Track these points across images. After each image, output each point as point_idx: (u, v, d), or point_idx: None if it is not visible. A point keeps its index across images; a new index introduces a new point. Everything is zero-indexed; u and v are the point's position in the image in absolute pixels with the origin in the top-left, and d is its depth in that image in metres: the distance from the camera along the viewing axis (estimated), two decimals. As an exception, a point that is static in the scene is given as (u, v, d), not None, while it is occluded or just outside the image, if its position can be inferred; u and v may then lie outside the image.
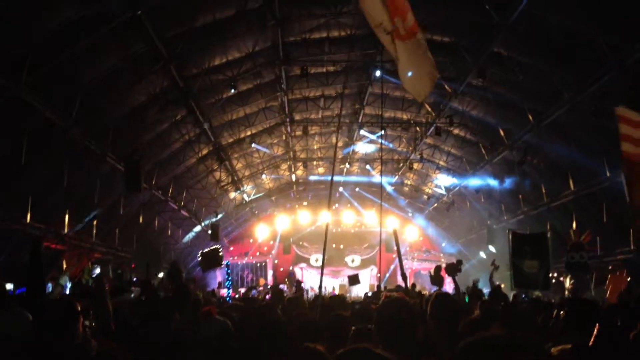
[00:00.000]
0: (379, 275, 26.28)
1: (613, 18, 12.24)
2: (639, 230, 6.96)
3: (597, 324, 3.45)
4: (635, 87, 13.18)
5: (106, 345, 4.25)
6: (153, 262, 20.94)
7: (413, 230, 33.31)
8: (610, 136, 14.59)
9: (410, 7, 6.75)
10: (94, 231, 18.61)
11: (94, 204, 17.48)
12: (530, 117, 17.99)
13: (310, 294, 22.31)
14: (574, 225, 19.53)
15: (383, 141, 24.15)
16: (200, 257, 24.82)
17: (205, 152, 22.57)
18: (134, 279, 20.33)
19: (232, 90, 18.18)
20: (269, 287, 25.72)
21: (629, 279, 17.18)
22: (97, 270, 19.13)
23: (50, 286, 12.12)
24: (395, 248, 6.77)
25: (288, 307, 7.88)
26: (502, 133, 20.32)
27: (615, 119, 7.24)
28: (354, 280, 21.41)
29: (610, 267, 19.20)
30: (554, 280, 21.56)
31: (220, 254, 25.31)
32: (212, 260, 24.52)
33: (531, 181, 21.71)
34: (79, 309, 3.98)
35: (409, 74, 7.04)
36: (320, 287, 6.42)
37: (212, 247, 25.23)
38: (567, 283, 21.40)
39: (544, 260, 16.62)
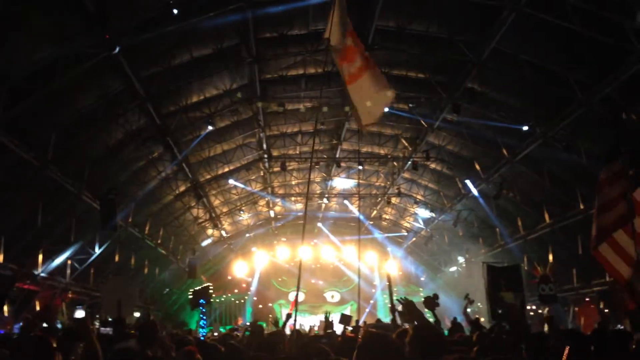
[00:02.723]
0: (358, 310, 26.14)
1: (581, 57, 12.60)
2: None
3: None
4: (602, 125, 13.56)
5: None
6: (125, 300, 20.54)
7: (392, 264, 33.20)
8: (582, 170, 14.97)
9: (359, 49, 6.96)
10: (68, 271, 18.29)
11: (69, 243, 17.22)
12: (505, 152, 18.27)
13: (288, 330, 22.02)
14: (550, 257, 19.73)
15: (361, 176, 24.26)
16: (192, 295, 24.62)
17: (182, 189, 22.46)
18: (109, 319, 19.93)
19: (210, 128, 18.22)
20: (247, 324, 25.39)
21: (605, 310, 17.30)
22: (80, 312, 18.70)
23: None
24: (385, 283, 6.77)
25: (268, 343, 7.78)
26: (477, 167, 20.58)
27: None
28: (345, 320, 20.85)
29: (587, 299, 19.37)
30: (532, 313, 21.67)
31: (211, 291, 25.17)
32: (202, 298, 24.32)
33: (507, 214, 21.97)
34: (54, 345, 3.94)
35: (368, 103, 7.24)
36: (295, 320, 6.45)
37: (204, 285, 25.18)
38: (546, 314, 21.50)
39: (518, 292, 16.79)
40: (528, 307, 20.25)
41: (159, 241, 23.84)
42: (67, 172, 14.89)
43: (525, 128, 16.33)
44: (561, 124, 14.99)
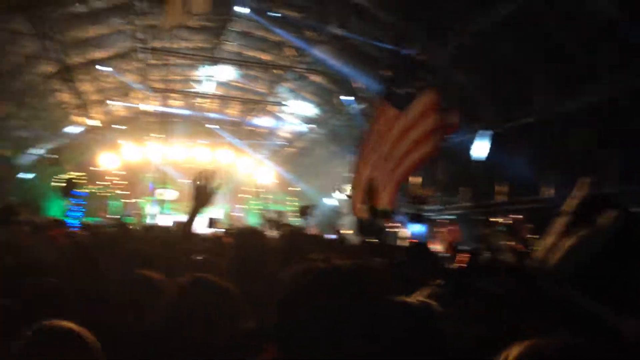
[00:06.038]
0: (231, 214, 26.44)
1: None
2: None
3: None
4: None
5: None
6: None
7: (267, 172, 33.41)
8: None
9: None
10: None
11: None
12: (384, 73, 18.49)
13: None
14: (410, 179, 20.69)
15: (241, 80, 23.77)
16: (65, 183, 23.27)
17: (49, 69, 20.86)
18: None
19: (80, 6, 16.84)
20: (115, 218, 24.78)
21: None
22: None
23: None
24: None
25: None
26: (356, 84, 20.78)
27: None
28: (212, 223, 21.19)
29: (440, 221, 20.68)
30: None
31: (80, 181, 24.00)
32: (72, 186, 23.14)
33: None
34: None
35: None
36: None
37: (77, 174, 23.95)
38: (404, 233, 22.71)
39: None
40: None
41: (20, 123, 22.26)
42: None
43: (408, 52, 16.57)
44: (445, 49, 15.30)
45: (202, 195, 3.66)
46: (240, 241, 3.67)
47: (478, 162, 16.60)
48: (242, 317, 2.24)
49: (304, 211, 10.50)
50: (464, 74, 15.66)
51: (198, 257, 4.65)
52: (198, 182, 3.66)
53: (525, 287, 2.86)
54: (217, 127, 31.03)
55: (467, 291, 2.89)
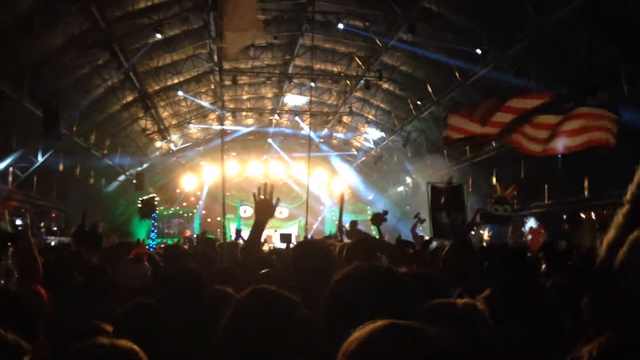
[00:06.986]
0: (306, 226, 26.60)
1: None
2: None
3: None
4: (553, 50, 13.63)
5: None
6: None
7: (341, 182, 33.56)
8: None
9: None
10: (10, 179, 17.81)
11: (10, 151, 16.69)
12: (457, 75, 18.29)
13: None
14: (494, 180, 20.27)
15: (313, 94, 24.00)
16: (141, 205, 24.20)
17: (129, 99, 21.85)
18: (54, 228, 19.70)
19: (158, 36, 17.55)
20: (194, 237, 25.46)
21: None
22: (19, 220, 18.26)
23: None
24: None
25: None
26: (429, 89, 20.59)
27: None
28: (285, 238, 21.28)
29: (524, 220, 20.15)
30: (473, 233, 22.43)
31: (156, 203, 24.88)
32: (150, 208, 24.00)
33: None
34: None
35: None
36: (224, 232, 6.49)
37: (150, 196, 24.81)
38: (486, 235, 22.25)
39: (460, 212, 17.25)
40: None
41: (105, 152, 23.35)
42: (6, 77, 14.20)
43: (479, 51, 16.32)
44: (514, 47, 14.99)
45: (263, 209, 3.71)
46: (297, 253, 3.73)
47: (557, 158, 16.13)
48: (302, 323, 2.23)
49: (376, 219, 10.38)
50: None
51: (262, 271, 4.83)
52: (261, 197, 3.70)
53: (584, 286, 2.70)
54: (291, 141, 31.50)
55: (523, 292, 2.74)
